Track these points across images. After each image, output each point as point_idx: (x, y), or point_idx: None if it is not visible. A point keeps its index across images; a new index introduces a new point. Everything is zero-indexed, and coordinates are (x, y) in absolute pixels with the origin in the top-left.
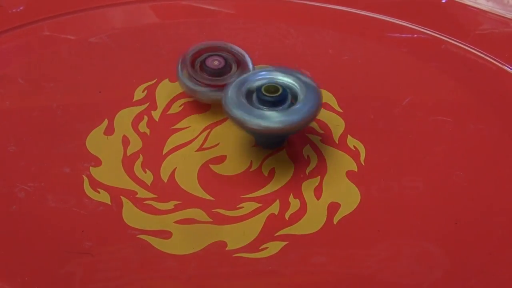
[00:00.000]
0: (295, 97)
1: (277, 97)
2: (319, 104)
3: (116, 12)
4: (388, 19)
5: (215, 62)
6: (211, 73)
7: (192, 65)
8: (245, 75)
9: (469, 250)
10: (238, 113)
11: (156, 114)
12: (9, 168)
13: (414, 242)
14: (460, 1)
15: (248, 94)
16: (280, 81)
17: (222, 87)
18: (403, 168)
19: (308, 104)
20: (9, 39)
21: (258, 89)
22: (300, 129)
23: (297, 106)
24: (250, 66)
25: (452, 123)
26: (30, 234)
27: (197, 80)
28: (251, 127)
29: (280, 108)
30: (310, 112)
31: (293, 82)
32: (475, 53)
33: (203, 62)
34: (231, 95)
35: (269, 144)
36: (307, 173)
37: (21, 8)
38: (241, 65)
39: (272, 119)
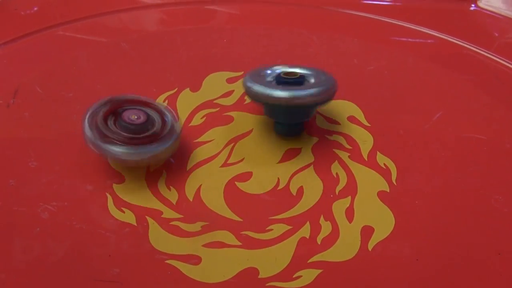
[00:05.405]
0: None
1: (296, 79)
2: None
3: (133, 18)
4: (413, 27)
5: (133, 116)
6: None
7: (105, 120)
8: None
9: None
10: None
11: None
12: (31, 185)
13: (453, 272)
14: (488, 8)
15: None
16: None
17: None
18: (437, 190)
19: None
20: (24, 45)
21: (278, 75)
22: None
23: (317, 82)
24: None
25: (487, 141)
26: (57, 259)
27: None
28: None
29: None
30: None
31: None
32: (506, 65)
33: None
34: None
35: (289, 129)
36: (337, 192)
37: (35, 8)
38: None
39: (299, 91)
